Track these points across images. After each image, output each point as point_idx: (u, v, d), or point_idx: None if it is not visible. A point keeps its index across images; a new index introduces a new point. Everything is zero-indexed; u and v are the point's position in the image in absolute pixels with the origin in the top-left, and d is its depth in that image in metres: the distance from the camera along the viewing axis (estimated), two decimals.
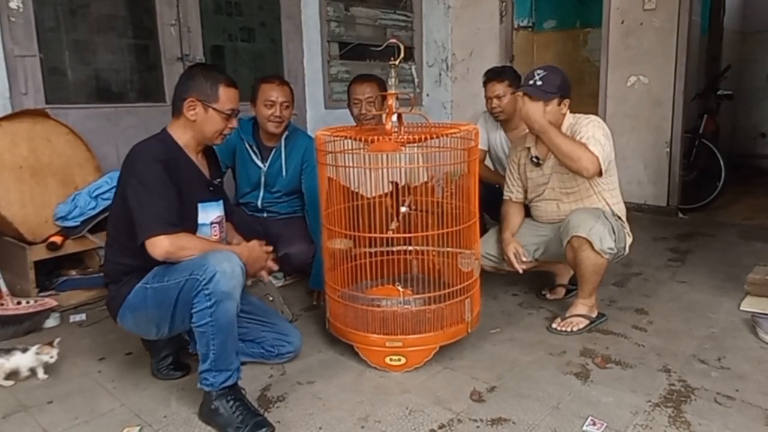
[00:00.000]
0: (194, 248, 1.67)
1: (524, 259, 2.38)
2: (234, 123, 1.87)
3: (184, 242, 1.68)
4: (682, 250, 3.42)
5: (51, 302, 2.45)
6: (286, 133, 2.73)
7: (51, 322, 2.45)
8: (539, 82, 2.23)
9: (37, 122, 2.67)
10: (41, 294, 2.55)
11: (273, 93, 2.59)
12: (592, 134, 2.22)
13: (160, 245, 1.64)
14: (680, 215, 4.27)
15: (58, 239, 2.59)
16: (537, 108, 2.22)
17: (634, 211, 4.16)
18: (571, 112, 2.40)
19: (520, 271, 2.38)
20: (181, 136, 1.83)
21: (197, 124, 1.82)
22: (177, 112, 1.83)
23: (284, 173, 2.73)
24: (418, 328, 1.99)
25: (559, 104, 2.28)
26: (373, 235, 2.01)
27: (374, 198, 1.98)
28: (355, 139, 2.01)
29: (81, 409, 1.81)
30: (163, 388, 1.93)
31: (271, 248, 1.95)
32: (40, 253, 2.57)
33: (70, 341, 2.29)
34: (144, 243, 1.65)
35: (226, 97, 1.82)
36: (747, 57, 6.29)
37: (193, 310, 1.62)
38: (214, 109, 1.81)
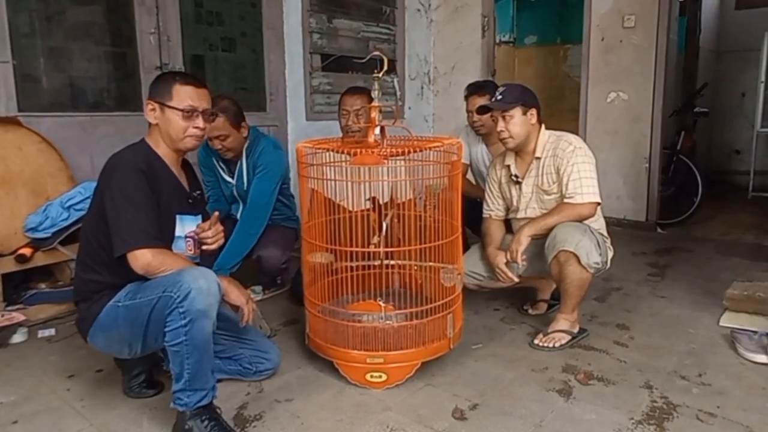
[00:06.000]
0: (175, 266, 1.62)
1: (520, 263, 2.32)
2: (199, 122, 1.75)
3: (165, 258, 1.63)
4: (661, 265, 3.45)
5: (18, 317, 2.37)
6: (246, 143, 2.72)
7: (18, 337, 2.35)
8: (499, 96, 2.32)
9: (8, 130, 2.60)
10: (8, 308, 2.47)
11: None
12: (579, 174, 2.24)
13: (142, 258, 1.59)
14: (659, 230, 4.31)
15: (27, 251, 2.52)
16: (524, 237, 2.25)
17: (614, 225, 4.19)
18: (552, 127, 2.41)
19: (516, 280, 2.34)
20: (156, 143, 1.79)
21: (160, 127, 1.76)
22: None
23: (246, 185, 2.73)
24: (400, 343, 1.95)
25: (525, 113, 2.30)
26: (354, 249, 1.98)
27: (356, 212, 1.95)
28: (337, 152, 1.98)
29: (47, 430, 1.73)
30: (134, 407, 1.86)
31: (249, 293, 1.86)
32: (8, 265, 2.49)
33: (37, 358, 2.21)
34: (125, 255, 1.60)
35: (182, 94, 1.73)
36: (722, 75, 6.44)
37: (167, 329, 1.56)
38: (169, 107, 1.73)
